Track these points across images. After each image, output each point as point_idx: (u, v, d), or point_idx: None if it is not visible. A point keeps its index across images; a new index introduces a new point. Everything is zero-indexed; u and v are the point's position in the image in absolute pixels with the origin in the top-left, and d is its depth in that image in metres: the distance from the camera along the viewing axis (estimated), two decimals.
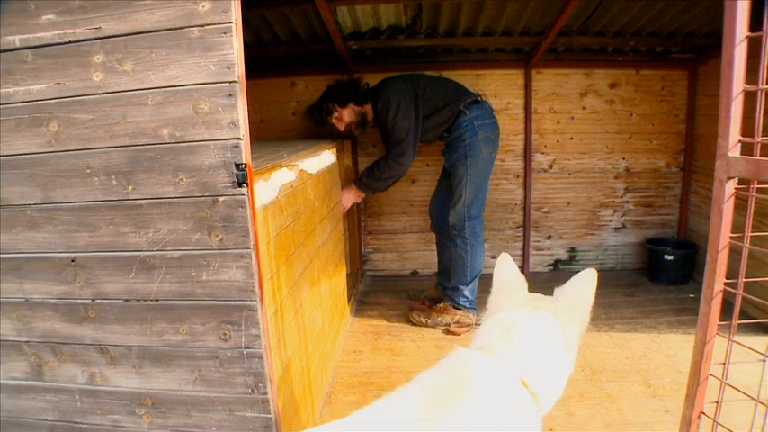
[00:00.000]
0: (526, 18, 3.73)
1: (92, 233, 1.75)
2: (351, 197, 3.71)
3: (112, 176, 1.70)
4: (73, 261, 1.79)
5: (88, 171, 1.71)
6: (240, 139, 1.60)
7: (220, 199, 1.64)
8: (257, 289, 1.68)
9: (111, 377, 1.88)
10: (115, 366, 1.87)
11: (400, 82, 3.52)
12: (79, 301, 1.82)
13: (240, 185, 1.61)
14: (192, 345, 1.77)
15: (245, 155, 1.61)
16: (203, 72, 1.58)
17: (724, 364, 1.98)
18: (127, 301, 1.78)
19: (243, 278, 1.67)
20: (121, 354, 1.84)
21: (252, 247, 1.65)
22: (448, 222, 3.79)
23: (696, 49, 4.28)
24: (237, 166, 1.60)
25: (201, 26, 1.56)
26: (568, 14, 3.50)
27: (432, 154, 4.22)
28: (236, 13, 1.56)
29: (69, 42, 1.64)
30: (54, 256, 1.80)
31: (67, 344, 1.89)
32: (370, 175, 3.62)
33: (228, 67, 1.57)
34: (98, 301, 1.81)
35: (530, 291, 1.55)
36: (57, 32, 1.64)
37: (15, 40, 1.67)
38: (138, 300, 1.77)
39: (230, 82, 1.57)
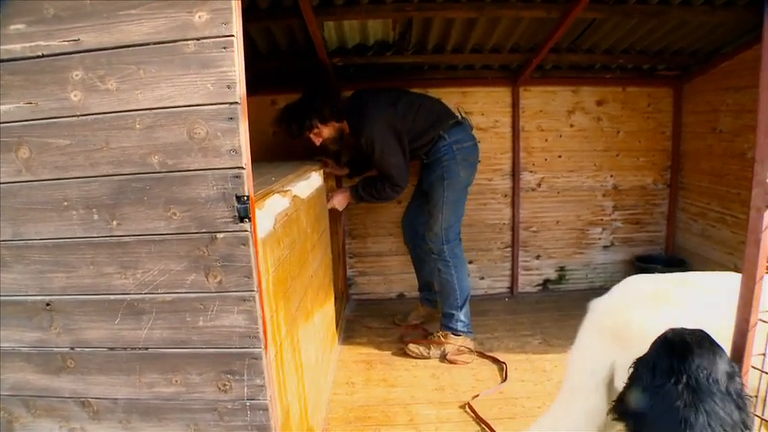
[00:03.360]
0: (518, 35, 3.63)
1: (69, 274, 1.55)
2: (344, 200, 3.58)
3: (93, 210, 1.51)
4: (48, 305, 1.59)
5: (65, 203, 1.52)
6: (242, 168, 1.43)
7: (219, 236, 1.46)
8: (261, 335, 1.50)
9: None
10: (99, 421, 1.66)
11: (385, 107, 3.34)
12: (56, 349, 1.62)
13: (242, 220, 1.44)
14: (187, 397, 1.58)
15: (248, 186, 1.44)
16: (200, 92, 1.41)
17: (755, 397, 1.87)
18: (111, 349, 1.58)
19: (245, 323, 1.50)
20: (106, 407, 1.64)
21: (255, 288, 1.48)
22: (422, 235, 3.74)
23: (681, 67, 4.25)
24: (239, 198, 1.43)
25: (198, 40, 1.40)
26: (563, 31, 3.41)
27: (418, 174, 4.06)
28: (237, 26, 1.39)
29: (43, 56, 1.46)
30: (26, 299, 1.60)
31: (43, 397, 1.68)
32: (367, 190, 3.47)
33: (229, 87, 1.40)
34: (78, 349, 1.61)
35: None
36: (28, 45, 1.46)
37: None
38: (125, 348, 1.58)
39: (231, 103, 1.41)
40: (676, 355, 1.38)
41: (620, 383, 1.49)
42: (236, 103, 1.40)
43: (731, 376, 1.36)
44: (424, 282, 3.98)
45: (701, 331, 1.43)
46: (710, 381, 1.33)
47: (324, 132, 3.41)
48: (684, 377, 1.32)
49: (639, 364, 1.43)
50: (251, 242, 1.45)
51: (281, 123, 3.43)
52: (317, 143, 3.46)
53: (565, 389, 1.88)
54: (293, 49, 3.77)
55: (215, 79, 1.40)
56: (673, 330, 1.42)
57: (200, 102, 1.41)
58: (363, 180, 3.57)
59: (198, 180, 1.44)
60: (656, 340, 1.42)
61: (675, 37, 3.73)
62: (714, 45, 3.81)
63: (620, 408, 1.41)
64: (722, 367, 1.37)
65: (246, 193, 1.42)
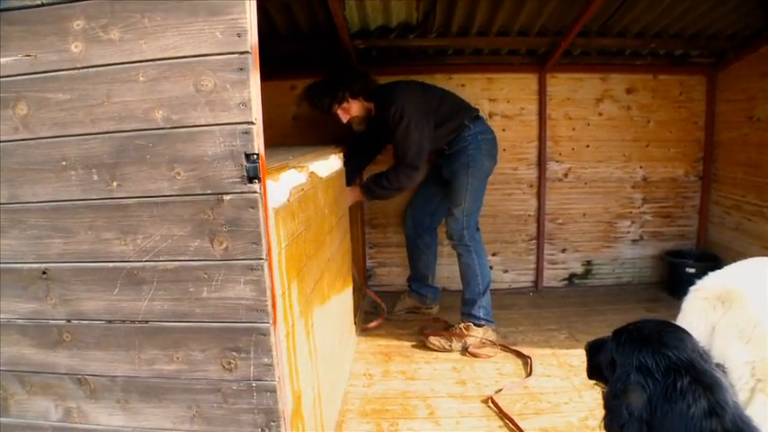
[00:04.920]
0: (546, 16, 3.48)
1: (67, 239, 1.45)
2: (352, 198, 3.47)
3: (93, 170, 1.40)
4: (44, 273, 1.48)
5: (63, 163, 1.41)
6: (252, 123, 1.30)
7: (226, 197, 1.34)
8: (270, 308, 1.38)
9: (91, 413, 1.57)
10: (96, 401, 1.56)
11: (415, 89, 3.33)
12: (52, 321, 1.52)
13: (251, 181, 1.32)
14: (189, 375, 1.47)
15: (258, 143, 1.31)
16: (208, 41, 1.30)
17: None
18: (110, 322, 1.47)
19: (253, 295, 1.37)
20: (103, 386, 1.53)
21: (264, 256, 1.35)
22: (426, 226, 3.87)
23: (716, 53, 4.07)
24: (248, 156, 1.31)
25: None
26: (592, 12, 3.26)
27: (430, 165, 3.94)
28: None
29: (43, 5, 1.36)
30: (21, 267, 1.49)
31: (38, 373, 1.58)
32: (378, 182, 3.38)
33: (239, 35, 1.28)
34: (75, 321, 1.50)
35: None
36: None
37: None
38: (124, 321, 1.46)
39: (241, 53, 1.29)
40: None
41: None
42: (247, 52, 1.28)
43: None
44: (419, 273, 3.94)
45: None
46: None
47: (353, 108, 3.34)
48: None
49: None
50: (260, 205, 1.33)
51: (312, 95, 3.35)
52: (344, 120, 3.38)
53: None
54: (314, 31, 3.66)
55: (224, 27, 1.28)
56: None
57: (209, 51, 1.30)
58: (373, 175, 3.48)
59: (204, 136, 1.32)
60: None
61: (712, 18, 3.56)
62: (754, 27, 3.63)
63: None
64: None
65: (256, 151, 1.30)
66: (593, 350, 1.63)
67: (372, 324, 3.63)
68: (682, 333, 1.39)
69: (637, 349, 1.33)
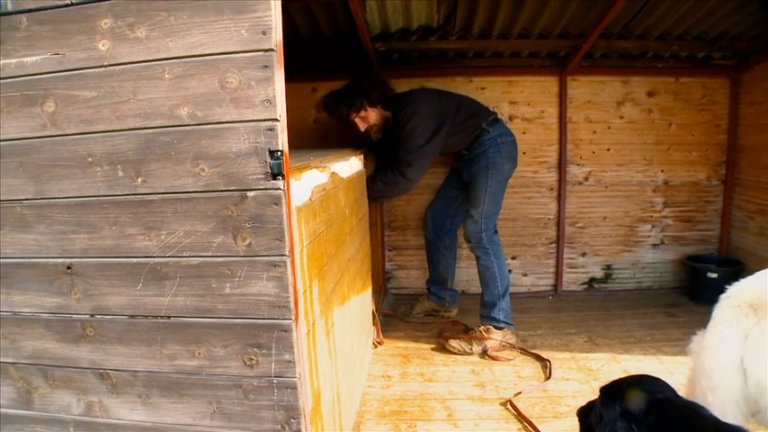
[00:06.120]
0: (567, 18, 3.46)
1: (92, 235, 1.46)
2: None
3: (118, 166, 1.41)
4: (69, 268, 1.50)
5: (90, 159, 1.43)
6: (276, 120, 1.31)
7: (250, 194, 1.35)
8: (292, 305, 1.38)
9: (113, 408, 1.59)
10: (117, 395, 1.57)
11: (430, 95, 3.34)
12: (76, 316, 1.53)
13: (275, 177, 1.32)
14: (210, 371, 1.47)
15: (282, 140, 1.32)
16: (233, 38, 1.30)
17: None
18: (132, 317, 1.49)
19: (275, 291, 1.38)
20: (125, 380, 1.55)
21: (287, 253, 1.35)
22: (447, 229, 3.85)
23: (739, 55, 4.01)
24: (272, 153, 1.32)
25: None
26: (613, 14, 3.23)
27: (449, 168, 3.95)
28: None
29: (72, 4, 1.37)
30: (47, 261, 1.51)
31: (61, 367, 1.60)
32: (373, 178, 3.32)
33: (264, 33, 1.29)
34: (98, 316, 1.52)
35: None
36: None
37: (7, 2, 1.41)
38: (146, 316, 1.47)
39: (266, 50, 1.29)
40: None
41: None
42: (272, 50, 1.29)
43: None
44: (438, 276, 3.92)
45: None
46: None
47: (371, 117, 3.32)
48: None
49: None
50: (284, 201, 1.33)
51: (330, 104, 3.34)
52: (362, 128, 3.36)
53: (701, 375, 1.86)
54: (335, 33, 3.68)
55: (249, 25, 1.29)
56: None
57: (234, 49, 1.30)
58: (369, 176, 3.38)
59: (229, 133, 1.33)
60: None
61: (736, 19, 3.51)
62: None
63: None
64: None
65: (280, 148, 1.31)
66: (584, 414, 1.72)
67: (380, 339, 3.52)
68: (659, 381, 1.57)
69: (619, 399, 1.49)
